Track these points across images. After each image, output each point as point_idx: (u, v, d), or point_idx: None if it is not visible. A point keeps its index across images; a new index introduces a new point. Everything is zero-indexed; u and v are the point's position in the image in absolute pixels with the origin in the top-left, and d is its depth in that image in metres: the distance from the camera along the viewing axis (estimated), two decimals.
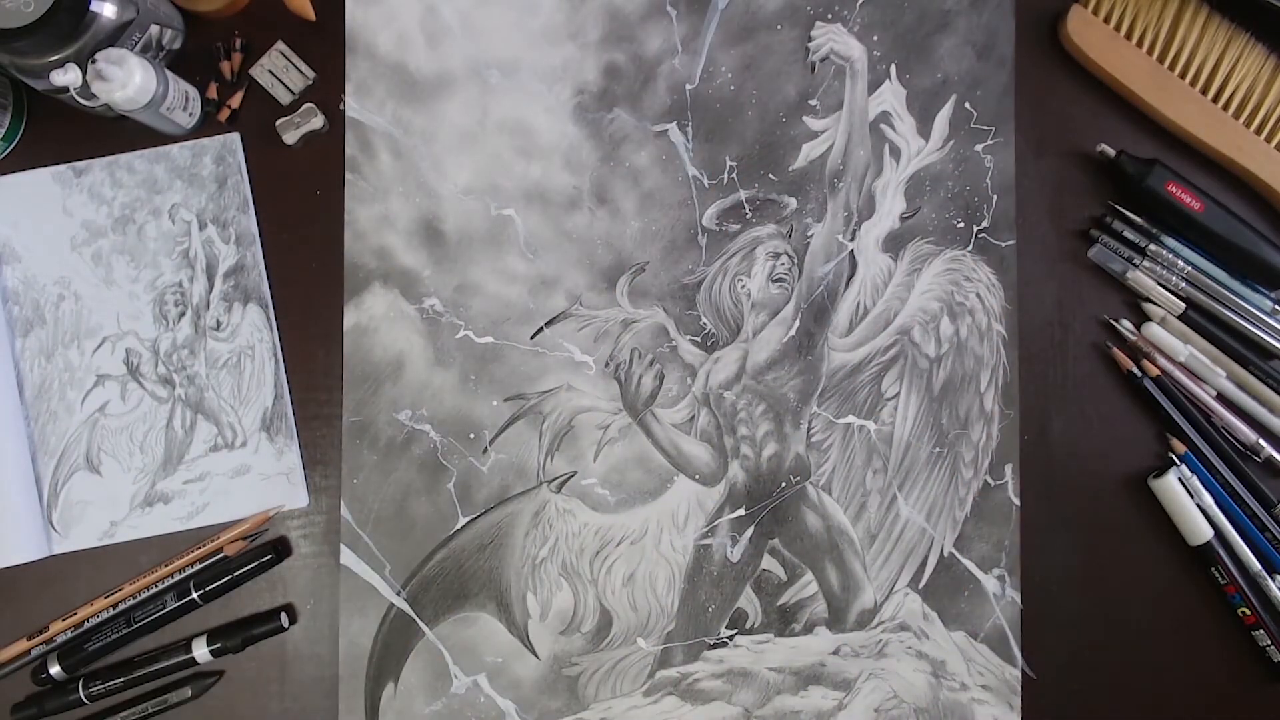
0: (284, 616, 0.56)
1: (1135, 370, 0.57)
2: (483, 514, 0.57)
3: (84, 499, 0.57)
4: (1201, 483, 0.57)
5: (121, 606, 0.56)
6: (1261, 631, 0.56)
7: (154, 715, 0.55)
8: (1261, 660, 0.57)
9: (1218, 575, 0.57)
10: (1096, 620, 0.58)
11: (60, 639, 0.56)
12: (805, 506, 0.58)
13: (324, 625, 0.57)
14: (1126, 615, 0.58)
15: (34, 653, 0.55)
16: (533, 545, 0.57)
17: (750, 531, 0.57)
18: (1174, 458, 0.57)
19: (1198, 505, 0.57)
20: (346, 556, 0.56)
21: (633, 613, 0.57)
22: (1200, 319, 0.58)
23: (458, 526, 0.56)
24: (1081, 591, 0.58)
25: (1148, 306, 0.58)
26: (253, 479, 0.57)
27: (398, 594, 0.56)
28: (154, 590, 0.56)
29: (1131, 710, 0.58)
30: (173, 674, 0.56)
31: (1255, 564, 0.57)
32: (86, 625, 0.56)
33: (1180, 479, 0.57)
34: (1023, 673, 0.57)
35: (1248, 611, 0.56)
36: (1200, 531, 0.56)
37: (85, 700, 0.55)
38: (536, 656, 0.56)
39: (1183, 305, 0.58)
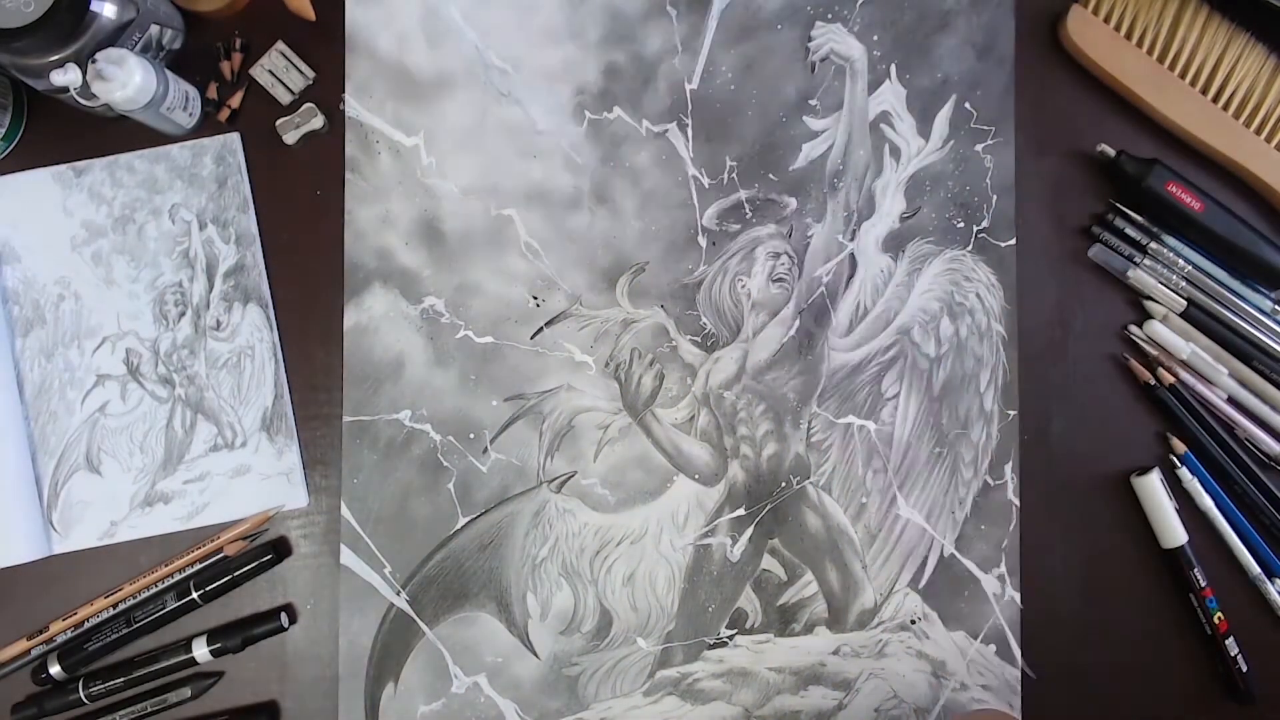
0: (284, 616, 0.56)
1: (1151, 380, 0.57)
2: (483, 514, 0.57)
3: (84, 499, 0.57)
4: (1202, 484, 0.57)
5: (121, 606, 0.56)
6: (1232, 639, 0.56)
7: (153, 715, 0.55)
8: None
9: (1196, 579, 0.56)
10: (1096, 620, 0.58)
11: (60, 639, 0.56)
12: (805, 506, 0.58)
13: (324, 625, 0.57)
14: (1127, 615, 0.58)
15: (34, 653, 0.55)
16: (533, 545, 0.57)
17: (750, 531, 0.57)
18: (1174, 459, 0.57)
19: (1198, 507, 0.57)
20: (346, 556, 0.56)
21: (633, 612, 0.57)
22: (1202, 317, 0.58)
23: (458, 526, 0.56)
24: (1081, 591, 0.58)
25: (1149, 304, 0.58)
26: (253, 479, 0.57)
27: (398, 594, 0.56)
28: (154, 590, 0.56)
29: (1131, 710, 0.58)
30: (172, 674, 0.56)
31: (1255, 568, 0.57)
32: (86, 625, 0.56)
33: (1161, 480, 0.57)
34: (1023, 673, 0.57)
35: (1223, 617, 0.56)
36: (1175, 535, 0.56)
37: (85, 700, 0.55)
38: (536, 656, 0.56)
39: (1184, 303, 0.58)
